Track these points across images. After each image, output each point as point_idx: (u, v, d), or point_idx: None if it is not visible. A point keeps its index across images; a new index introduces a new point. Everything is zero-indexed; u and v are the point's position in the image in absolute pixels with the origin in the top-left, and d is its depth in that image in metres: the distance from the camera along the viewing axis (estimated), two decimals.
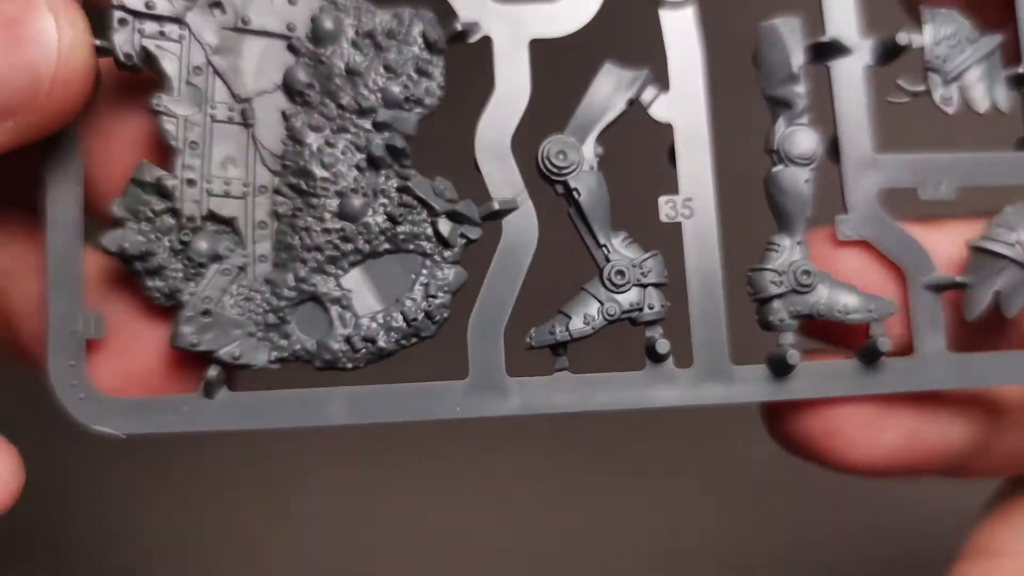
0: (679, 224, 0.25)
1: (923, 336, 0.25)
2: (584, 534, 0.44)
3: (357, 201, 0.24)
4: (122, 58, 0.23)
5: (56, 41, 0.22)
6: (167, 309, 0.23)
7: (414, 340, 0.24)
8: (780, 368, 0.25)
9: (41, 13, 0.22)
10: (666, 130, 0.25)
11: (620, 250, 0.25)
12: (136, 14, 0.23)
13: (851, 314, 0.25)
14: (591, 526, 0.44)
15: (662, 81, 0.25)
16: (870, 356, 0.25)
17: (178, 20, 0.23)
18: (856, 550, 0.44)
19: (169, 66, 0.23)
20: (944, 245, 0.26)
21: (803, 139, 0.25)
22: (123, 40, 0.23)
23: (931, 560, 0.28)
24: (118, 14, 0.23)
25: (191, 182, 0.23)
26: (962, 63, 0.26)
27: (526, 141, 0.25)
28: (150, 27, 0.23)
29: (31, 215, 0.25)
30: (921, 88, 0.26)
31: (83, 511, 0.43)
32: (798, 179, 0.25)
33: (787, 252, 0.25)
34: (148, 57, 0.23)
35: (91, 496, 0.43)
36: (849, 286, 0.25)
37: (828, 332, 0.26)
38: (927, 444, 0.27)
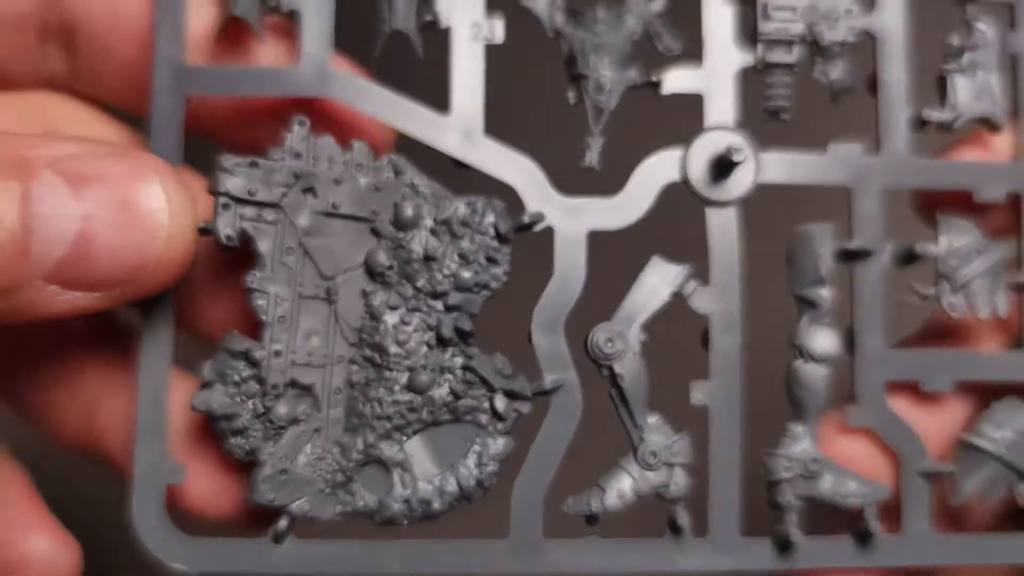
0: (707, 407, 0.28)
1: (911, 518, 0.28)
2: None
3: (425, 376, 0.26)
4: (224, 240, 0.25)
5: (166, 227, 0.23)
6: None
7: (464, 503, 0.27)
8: (783, 544, 0.27)
9: (157, 199, 0.23)
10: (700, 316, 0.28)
11: (654, 431, 0.27)
12: (239, 200, 0.25)
13: (849, 498, 0.28)
14: None
15: (704, 273, 0.28)
16: (863, 536, 0.28)
17: (275, 205, 0.25)
18: None
19: (264, 246, 0.25)
20: (940, 427, 0.29)
21: (824, 340, 0.28)
22: (225, 224, 0.25)
23: None
24: (222, 200, 0.25)
25: (278, 353, 0.25)
26: (970, 272, 0.29)
27: (577, 320, 0.27)
28: (250, 211, 0.25)
29: (121, 339, 0.27)
30: (931, 292, 0.29)
31: None
32: (816, 376, 0.28)
33: (800, 440, 0.28)
34: (246, 238, 0.25)
35: None
36: (851, 473, 0.28)
37: None
38: None
